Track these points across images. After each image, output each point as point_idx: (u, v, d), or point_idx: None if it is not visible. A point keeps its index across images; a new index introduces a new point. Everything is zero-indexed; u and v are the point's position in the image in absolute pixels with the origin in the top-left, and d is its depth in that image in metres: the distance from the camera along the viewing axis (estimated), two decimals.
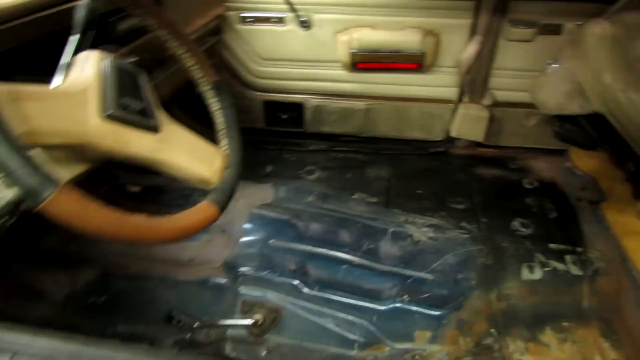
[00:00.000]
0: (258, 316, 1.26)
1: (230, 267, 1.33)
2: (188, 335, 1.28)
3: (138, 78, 0.83)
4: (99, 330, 1.32)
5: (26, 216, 0.63)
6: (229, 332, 1.29)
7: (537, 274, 1.32)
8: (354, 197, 1.73)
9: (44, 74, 0.81)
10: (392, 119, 2.09)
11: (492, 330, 1.22)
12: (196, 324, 1.27)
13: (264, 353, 1.24)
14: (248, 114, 2.20)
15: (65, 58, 0.83)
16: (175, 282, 1.36)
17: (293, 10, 1.86)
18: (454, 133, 2.00)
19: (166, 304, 1.32)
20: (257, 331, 1.27)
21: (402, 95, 2.01)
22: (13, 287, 1.38)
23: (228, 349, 1.27)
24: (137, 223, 0.65)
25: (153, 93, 0.84)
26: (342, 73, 1.99)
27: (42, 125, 0.63)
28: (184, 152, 0.82)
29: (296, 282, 1.29)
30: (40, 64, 0.85)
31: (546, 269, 1.33)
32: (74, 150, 0.71)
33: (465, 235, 1.43)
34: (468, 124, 1.95)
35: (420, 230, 1.43)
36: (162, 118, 0.82)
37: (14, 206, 0.61)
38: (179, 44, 0.96)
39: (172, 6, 1.46)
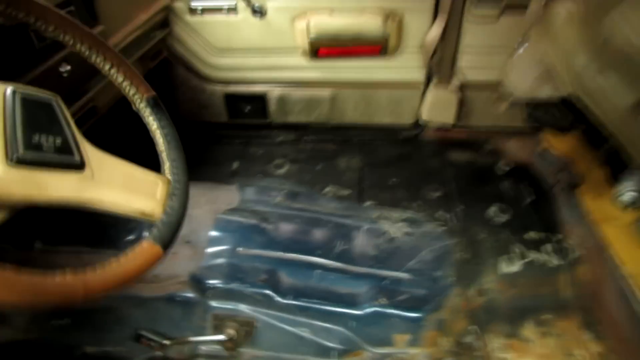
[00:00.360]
0: (230, 331, 1.20)
1: (197, 281, 1.25)
2: (159, 353, 1.23)
3: (54, 107, 0.71)
4: (65, 353, 1.25)
5: None
6: (203, 347, 1.23)
7: (516, 266, 1.29)
8: (326, 190, 1.67)
9: None
10: (360, 105, 2.02)
11: (472, 327, 1.19)
12: (166, 342, 1.20)
13: None
14: (209, 108, 2.10)
15: None
16: (141, 299, 1.27)
17: None
18: (424, 117, 1.94)
19: (134, 322, 1.25)
20: (231, 345, 1.21)
21: (368, 81, 1.93)
22: None
23: None
24: (59, 283, 0.56)
25: (73, 123, 0.73)
26: (303, 61, 1.90)
27: None
28: (117, 187, 0.73)
29: (268, 291, 1.22)
30: None
31: (525, 260, 1.30)
32: None
33: (442, 228, 1.38)
34: (438, 107, 1.90)
35: (395, 225, 1.38)
36: (88, 150, 0.72)
37: None
38: (103, 58, 0.84)
39: (105, 4, 1.35)
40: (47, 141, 0.65)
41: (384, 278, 1.24)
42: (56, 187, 0.65)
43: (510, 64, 1.35)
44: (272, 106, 2.05)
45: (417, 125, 2.00)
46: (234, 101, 2.07)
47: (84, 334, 1.27)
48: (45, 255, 1.34)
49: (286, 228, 1.37)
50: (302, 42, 1.81)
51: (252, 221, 1.37)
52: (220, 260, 1.29)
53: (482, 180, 1.70)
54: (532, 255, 1.32)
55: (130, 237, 1.35)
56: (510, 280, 1.26)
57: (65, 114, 0.72)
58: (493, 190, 1.63)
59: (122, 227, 1.38)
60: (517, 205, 1.56)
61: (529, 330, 1.18)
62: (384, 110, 2.01)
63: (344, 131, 2.05)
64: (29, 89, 0.70)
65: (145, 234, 1.40)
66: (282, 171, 1.85)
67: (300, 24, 1.76)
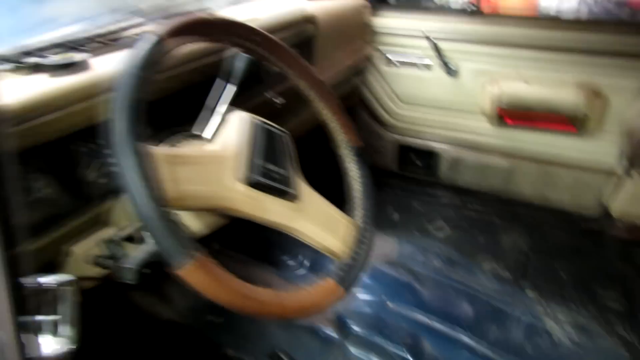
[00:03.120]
0: None
1: (342, 322, 1.27)
2: None
3: (284, 143, 0.82)
4: (208, 348, 1.35)
5: None
6: None
7: None
8: (484, 266, 1.57)
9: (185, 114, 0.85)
10: (538, 182, 1.88)
11: None
12: None
13: None
14: (381, 155, 2.15)
15: (220, 106, 0.86)
16: (287, 321, 1.33)
17: (441, 57, 1.79)
18: (616, 212, 1.72)
19: (274, 341, 1.30)
20: None
21: (552, 158, 1.80)
22: (151, 285, 1.46)
23: None
24: (263, 298, 0.63)
25: (296, 159, 0.82)
26: (486, 126, 1.85)
27: (190, 189, 0.64)
28: (318, 223, 0.79)
29: (408, 355, 1.19)
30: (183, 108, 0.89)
31: None
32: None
33: (625, 353, 1.19)
34: (638, 204, 1.66)
35: (562, 328, 1.23)
36: (301, 186, 0.80)
37: (153, 262, 0.62)
38: (325, 105, 0.94)
39: (322, 50, 1.48)
40: (276, 171, 0.75)
41: None
42: (274, 212, 0.73)
43: None
44: (444, 165, 2.03)
45: (605, 217, 1.79)
46: (407, 152, 2.09)
47: (229, 337, 1.35)
48: (217, 257, 1.48)
49: (439, 295, 1.32)
50: (490, 106, 1.77)
51: (406, 279, 1.36)
52: (367, 309, 1.29)
53: None
54: None
55: (291, 262, 1.44)
56: None
57: (290, 150, 0.82)
58: None
59: (283, 251, 1.48)
60: None
61: None
62: (564, 192, 1.84)
63: (514, 206, 1.93)
64: (268, 123, 0.81)
65: (303, 260, 1.49)
66: (441, 234, 1.79)
67: (492, 89, 1.74)
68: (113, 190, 0.86)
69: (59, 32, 0.94)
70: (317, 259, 1.50)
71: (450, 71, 1.82)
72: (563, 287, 1.47)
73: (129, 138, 0.56)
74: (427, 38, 1.78)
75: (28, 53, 0.82)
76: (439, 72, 1.85)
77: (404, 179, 2.10)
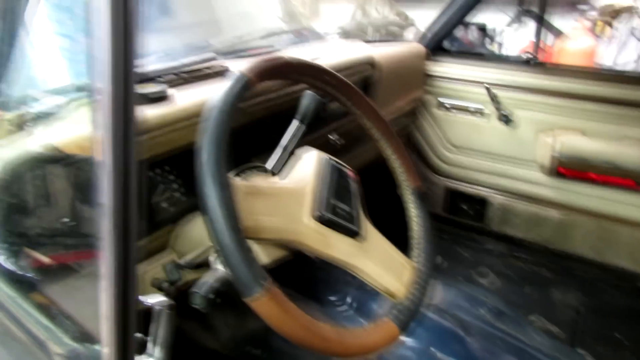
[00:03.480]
0: None
1: None
2: None
3: (350, 180, 0.84)
4: None
5: None
6: None
7: None
8: (534, 322, 1.51)
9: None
10: (592, 237, 1.81)
11: None
12: None
13: None
14: (430, 199, 2.14)
15: (291, 144, 0.89)
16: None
17: (496, 103, 1.78)
18: None
19: None
20: None
21: (611, 214, 1.73)
22: (196, 312, 1.47)
23: None
24: (325, 335, 0.63)
25: (361, 198, 0.83)
26: (539, 176, 1.82)
27: (265, 220, 0.66)
28: (378, 263, 0.79)
29: None
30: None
31: None
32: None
33: None
34: None
35: None
36: (365, 225, 0.81)
37: (225, 290, 0.64)
38: (389, 145, 0.96)
39: (381, 93, 1.51)
40: (341, 207, 0.76)
41: None
42: (336, 247, 0.74)
43: None
44: (491, 212, 1.99)
45: None
46: (454, 197, 2.07)
47: None
48: None
49: (487, 347, 1.27)
50: (544, 156, 1.74)
51: (453, 327, 1.32)
52: (414, 357, 1.26)
53: None
54: None
55: (338, 302, 1.43)
56: None
57: (355, 188, 0.83)
58: None
59: (330, 290, 1.47)
60: None
61: None
62: (622, 250, 1.76)
63: (565, 260, 1.86)
64: (338, 161, 0.84)
65: (350, 301, 1.48)
66: (489, 284, 1.74)
67: (546, 139, 1.71)
68: (176, 217, 0.90)
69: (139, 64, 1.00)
70: (363, 300, 1.48)
71: (506, 120, 1.81)
72: (621, 350, 1.39)
73: (216, 168, 0.59)
74: (486, 87, 1.78)
75: None
76: (493, 120, 1.84)
77: (452, 224, 2.07)
